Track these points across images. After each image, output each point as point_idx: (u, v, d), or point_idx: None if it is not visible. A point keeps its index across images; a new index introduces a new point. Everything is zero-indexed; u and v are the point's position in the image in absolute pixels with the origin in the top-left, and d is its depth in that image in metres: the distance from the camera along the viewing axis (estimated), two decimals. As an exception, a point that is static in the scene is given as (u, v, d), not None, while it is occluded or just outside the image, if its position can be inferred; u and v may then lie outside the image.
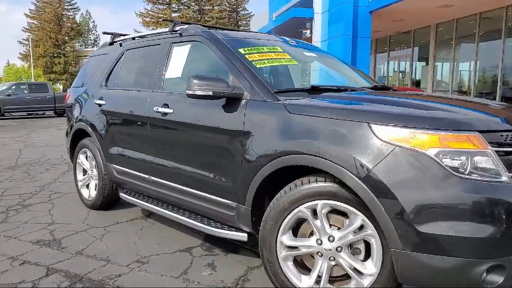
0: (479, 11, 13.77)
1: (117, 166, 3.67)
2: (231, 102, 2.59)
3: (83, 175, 4.31)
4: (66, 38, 53.38)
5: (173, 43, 3.31)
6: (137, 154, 3.40)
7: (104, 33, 4.30)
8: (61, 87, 51.68)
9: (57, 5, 52.57)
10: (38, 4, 53.14)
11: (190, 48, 3.15)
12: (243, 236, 2.63)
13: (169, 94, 3.12)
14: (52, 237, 3.38)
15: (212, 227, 2.79)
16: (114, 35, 4.24)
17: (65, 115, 15.89)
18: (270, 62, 2.85)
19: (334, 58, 3.62)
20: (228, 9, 53.67)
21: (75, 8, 55.58)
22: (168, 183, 3.07)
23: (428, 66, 16.85)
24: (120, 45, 4.10)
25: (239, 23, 52.70)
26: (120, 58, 3.91)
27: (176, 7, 49.88)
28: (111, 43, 4.28)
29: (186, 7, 50.34)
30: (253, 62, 2.75)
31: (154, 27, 48.59)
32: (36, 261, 2.91)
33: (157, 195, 3.28)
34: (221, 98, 2.60)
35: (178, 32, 3.35)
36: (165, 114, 3.04)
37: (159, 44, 3.45)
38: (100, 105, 3.84)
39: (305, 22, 14.40)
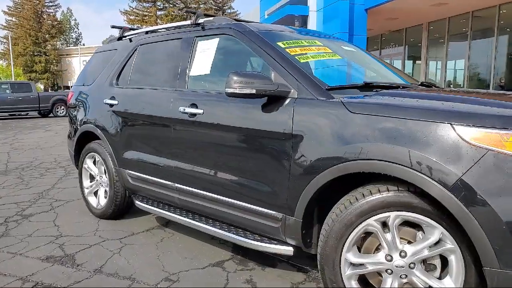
0: (472, 9, 13.80)
1: (133, 172, 3.35)
2: (274, 101, 2.33)
3: (90, 182, 3.98)
4: (47, 36, 52.01)
5: (197, 36, 3.02)
6: (158, 159, 3.10)
7: (113, 27, 3.98)
8: (42, 87, 50.37)
9: (37, 1, 51.15)
10: (17, 0, 51.62)
11: (218, 42, 2.86)
12: (288, 250, 2.37)
13: (197, 92, 2.83)
14: (63, 253, 3.05)
15: (250, 239, 2.51)
16: (124, 29, 3.93)
17: (49, 115, 15.42)
18: (314, 56, 2.59)
19: (366, 54, 3.38)
20: (214, 7, 53.15)
21: (56, 5, 54.18)
22: (198, 191, 2.78)
23: (420, 64, 16.86)
24: (130, 40, 3.78)
25: (225, 21, 52.11)
26: (132, 54, 3.59)
27: (161, 5, 49.14)
28: (120, 38, 3.95)
29: (171, 5, 49.60)
30: (296, 57, 2.48)
31: (139, 25, 47.78)
32: (50, 282, 2.59)
33: (182, 204, 2.98)
34: (263, 97, 2.33)
35: (201, 25, 3.07)
36: (193, 115, 2.75)
37: (180, 38, 3.15)
38: (111, 105, 3.51)
39: (299, 20, 14.18)
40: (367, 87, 2.40)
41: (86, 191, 3.98)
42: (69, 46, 63.74)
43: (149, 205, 3.31)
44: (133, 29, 3.95)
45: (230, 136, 2.55)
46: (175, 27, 3.37)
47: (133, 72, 3.51)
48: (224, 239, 2.73)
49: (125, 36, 3.89)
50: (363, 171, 1.91)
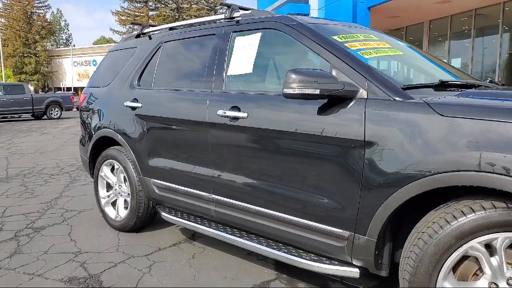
0: (475, 7, 13.65)
1: (160, 181, 3.04)
2: (337, 103, 2.04)
3: (107, 191, 3.65)
4: (37, 37, 51.24)
5: (234, 32, 2.73)
6: (190, 167, 2.79)
7: (133, 23, 3.67)
8: (32, 88, 49.55)
9: (26, 2, 50.34)
10: (6, 1, 50.75)
11: (261, 37, 2.57)
12: (354, 272, 2.08)
13: (238, 94, 2.54)
14: (86, 273, 2.73)
15: (306, 259, 2.22)
16: (143, 25, 3.61)
17: (43, 118, 15.07)
18: (377, 52, 2.31)
19: (414, 49, 3.10)
20: (206, 7, 52.72)
21: (45, 6, 53.42)
22: (241, 203, 2.49)
23: (421, 63, 16.68)
24: (150, 37, 3.47)
25: (218, 21, 51.63)
26: (155, 52, 3.27)
27: (153, 5, 48.61)
28: (138, 35, 3.64)
29: (163, 5, 49.09)
30: (359, 52, 2.20)
31: (131, 26, 47.26)
32: (78, 309, 2.28)
33: (219, 217, 2.68)
34: (325, 98, 2.04)
35: (237, 18, 2.78)
36: (235, 118, 2.45)
37: (213, 34, 2.85)
38: (133, 108, 3.20)
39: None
40: (442, 86, 2.12)
41: (102, 201, 3.65)
42: (59, 47, 62.84)
43: (179, 217, 3.00)
44: (152, 26, 3.64)
45: (282, 142, 2.26)
46: (205, 22, 3.07)
47: (158, 72, 3.20)
48: (265, 256, 2.44)
49: (144, 33, 3.58)
50: (461, 185, 1.64)
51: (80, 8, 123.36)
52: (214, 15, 3.07)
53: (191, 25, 3.20)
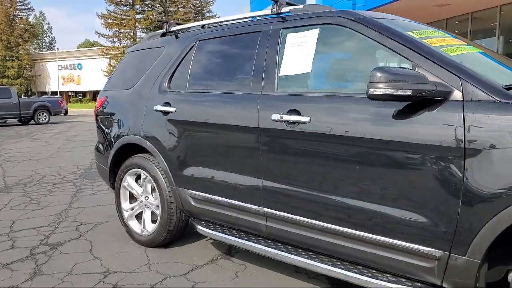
0: (472, 10, 13.72)
1: (197, 192, 2.77)
2: (425, 105, 1.81)
3: (131, 203, 3.35)
4: (20, 40, 50.02)
5: (284, 28, 2.48)
6: (237, 177, 2.53)
7: (159, 21, 3.41)
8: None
9: (9, 5, 49.16)
10: (-13, 4, 49.46)
11: (319, 33, 2.33)
12: (445, 297, 1.85)
13: (297, 96, 2.29)
14: (123, 297, 2.44)
15: (383, 281, 1.99)
16: (170, 23, 3.33)
17: (31, 123, 14.51)
18: (459, 49, 2.09)
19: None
20: (194, 11, 52.30)
21: (28, 9, 52.25)
22: (301, 218, 2.23)
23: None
24: (176, 36, 3.21)
25: (206, 25, 51.14)
26: (188, 52, 3.00)
27: (140, 8, 47.96)
28: (164, 34, 3.37)
29: (150, 9, 48.51)
30: (441, 49, 1.98)
31: (117, 29, 46.61)
32: None
33: (271, 232, 2.42)
34: (413, 100, 1.82)
35: (286, 14, 2.54)
36: (294, 123, 2.21)
37: (258, 31, 2.60)
38: (166, 112, 2.92)
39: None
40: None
41: (125, 214, 3.35)
42: (42, 51, 61.55)
43: (218, 232, 2.72)
44: (179, 24, 3.36)
45: (356, 150, 2.02)
46: (250, 18, 2.82)
47: (192, 73, 2.93)
48: (318, 273, 2.20)
49: (171, 32, 3.30)
50: None
51: (63, 11, 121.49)
52: (202, 18, 2.82)
53: (230, 21, 2.95)
